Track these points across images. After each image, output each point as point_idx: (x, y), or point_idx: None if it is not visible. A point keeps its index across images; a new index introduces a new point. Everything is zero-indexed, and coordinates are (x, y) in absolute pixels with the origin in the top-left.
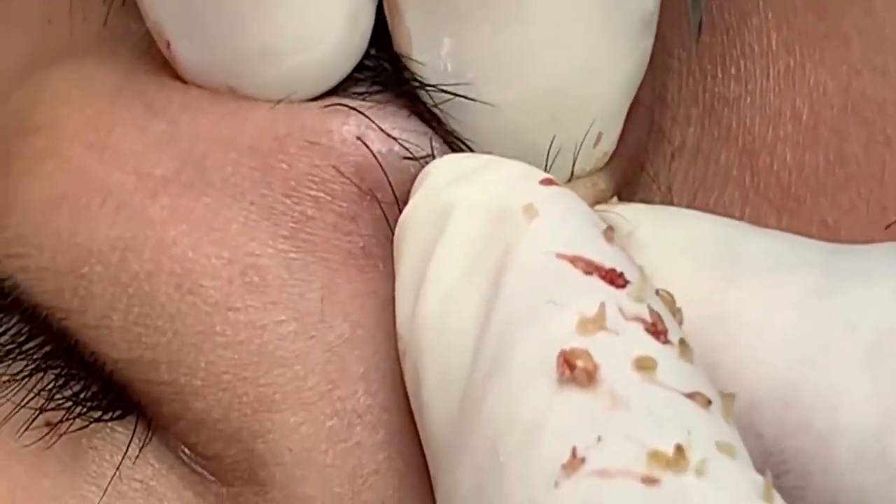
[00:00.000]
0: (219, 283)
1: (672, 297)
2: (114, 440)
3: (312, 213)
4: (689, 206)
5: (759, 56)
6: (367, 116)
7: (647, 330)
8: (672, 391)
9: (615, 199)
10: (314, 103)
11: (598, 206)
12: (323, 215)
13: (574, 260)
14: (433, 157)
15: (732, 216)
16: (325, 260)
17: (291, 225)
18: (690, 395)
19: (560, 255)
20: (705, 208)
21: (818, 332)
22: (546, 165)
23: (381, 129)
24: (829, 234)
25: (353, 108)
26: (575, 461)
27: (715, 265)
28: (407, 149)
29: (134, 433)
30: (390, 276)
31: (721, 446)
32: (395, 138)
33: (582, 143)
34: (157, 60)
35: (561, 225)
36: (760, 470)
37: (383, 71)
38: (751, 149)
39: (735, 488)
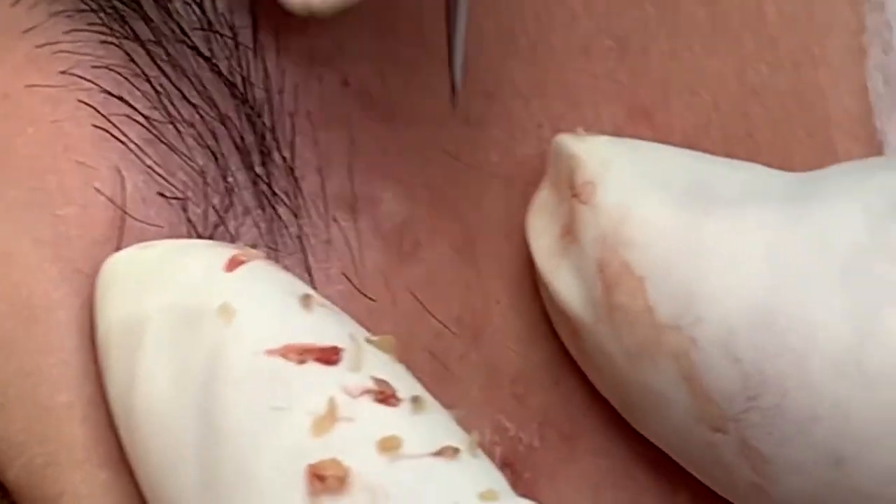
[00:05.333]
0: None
1: (389, 339)
2: None
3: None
4: None
5: (638, 36)
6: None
7: (378, 400)
8: (422, 458)
9: (581, 130)
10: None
11: (567, 137)
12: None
13: (285, 352)
14: None
15: None
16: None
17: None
18: (440, 453)
19: (270, 352)
20: None
21: (791, 255)
22: None
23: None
24: None
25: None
26: None
27: (689, 199)
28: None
29: None
30: None
31: (484, 496)
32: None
33: None
34: None
35: (261, 316)
36: (730, 395)
37: None
38: (644, 107)
39: None
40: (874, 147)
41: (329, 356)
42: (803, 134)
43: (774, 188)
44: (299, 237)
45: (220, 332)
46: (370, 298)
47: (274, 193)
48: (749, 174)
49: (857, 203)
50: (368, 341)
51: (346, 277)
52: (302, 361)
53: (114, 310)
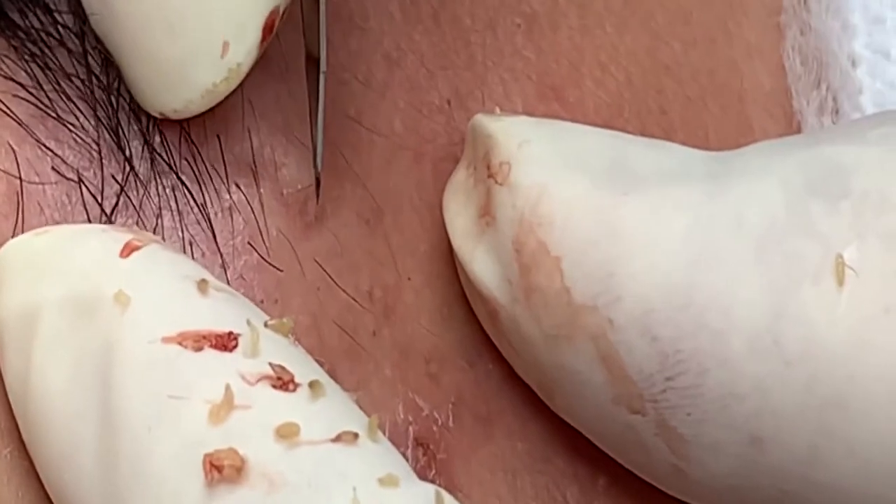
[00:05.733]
0: None
1: (287, 323)
2: None
3: None
4: None
5: (547, 13)
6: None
7: (275, 386)
8: (320, 445)
9: (498, 110)
10: None
11: (484, 117)
12: None
13: (181, 339)
14: None
15: None
16: None
17: None
18: (338, 439)
19: (166, 339)
20: None
21: (708, 233)
22: (175, 76)
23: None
24: None
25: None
26: None
27: (607, 179)
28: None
29: None
30: None
31: (384, 481)
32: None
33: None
34: None
35: (156, 303)
36: (648, 375)
37: None
38: (554, 85)
39: None
40: (792, 126)
41: (225, 342)
42: (718, 110)
43: (693, 167)
44: (203, 205)
45: (116, 320)
46: (277, 269)
47: (172, 163)
48: (667, 153)
49: (774, 180)
50: (267, 325)
51: (253, 246)
52: (198, 348)
53: (8, 299)
